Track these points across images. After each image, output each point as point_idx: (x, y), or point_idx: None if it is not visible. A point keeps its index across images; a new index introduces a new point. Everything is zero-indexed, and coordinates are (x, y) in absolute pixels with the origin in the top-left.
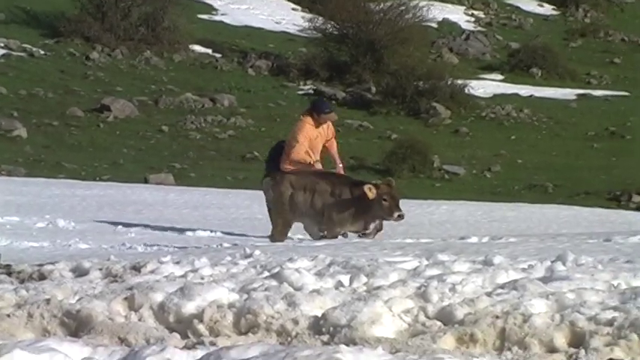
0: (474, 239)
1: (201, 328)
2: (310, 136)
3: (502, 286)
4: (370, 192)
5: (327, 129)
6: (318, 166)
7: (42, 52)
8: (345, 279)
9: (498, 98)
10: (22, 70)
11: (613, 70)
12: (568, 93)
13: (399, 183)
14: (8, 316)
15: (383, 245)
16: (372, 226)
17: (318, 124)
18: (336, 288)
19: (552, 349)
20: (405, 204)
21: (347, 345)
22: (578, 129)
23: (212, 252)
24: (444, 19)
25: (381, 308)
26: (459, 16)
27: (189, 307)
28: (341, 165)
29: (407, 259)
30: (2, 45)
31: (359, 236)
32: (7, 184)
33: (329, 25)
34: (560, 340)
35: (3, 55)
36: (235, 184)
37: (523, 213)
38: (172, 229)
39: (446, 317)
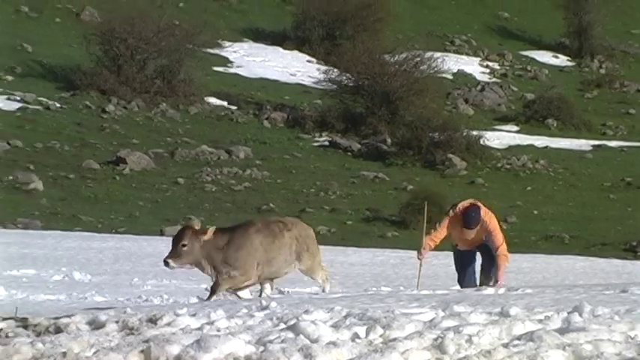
0: (490, 290)
1: None
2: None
3: (519, 338)
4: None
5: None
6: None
7: (58, 105)
8: (361, 331)
9: (514, 149)
10: (38, 123)
11: (628, 121)
12: (584, 144)
13: (415, 234)
14: None
15: (399, 297)
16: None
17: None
18: (353, 340)
19: None
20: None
21: None
22: (594, 180)
23: (228, 304)
24: (459, 70)
25: None
26: (474, 67)
27: None
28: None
29: (423, 310)
30: (18, 98)
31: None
32: (23, 237)
33: (344, 77)
34: None
35: (19, 108)
36: None
37: (539, 264)
38: (188, 281)
39: None
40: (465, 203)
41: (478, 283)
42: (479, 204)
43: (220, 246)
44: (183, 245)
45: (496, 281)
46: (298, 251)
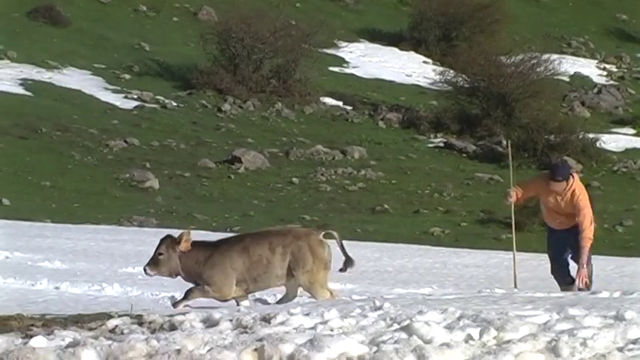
0: (605, 294)
1: None
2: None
3: (634, 342)
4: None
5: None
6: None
7: (174, 104)
8: (474, 332)
9: (630, 152)
10: (155, 122)
11: None
12: None
13: (529, 237)
14: None
15: (513, 299)
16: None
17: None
18: (466, 341)
19: None
20: (535, 258)
21: None
22: None
23: (341, 304)
24: (575, 72)
25: None
26: (591, 69)
27: (319, 359)
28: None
29: (537, 312)
30: (135, 97)
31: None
32: (138, 234)
33: (460, 78)
34: None
35: (136, 106)
36: (365, 237)
37: None
38: None
39: None
40: (555, 160)
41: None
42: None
43: (200, 261)
44: (160, 254)
45: (582, 265)
46: (293, 267)
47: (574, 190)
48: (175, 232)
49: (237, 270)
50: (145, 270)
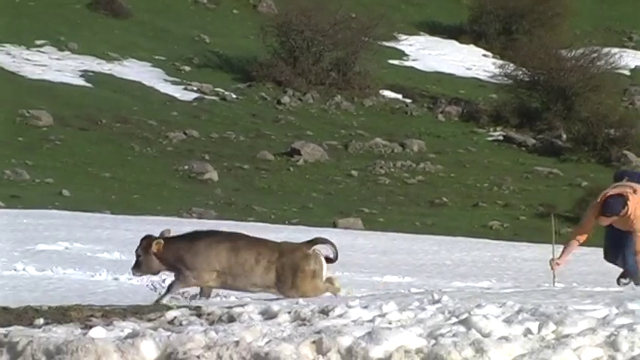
0: None
1: None
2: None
3: None
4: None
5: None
6: None
7: (234, 96)
8: (533, 326)
9: None
10: (214, 114)
11: None
12: None
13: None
14: (198, 357)
15: (572, 293)
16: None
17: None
18: (525, 335)
19: None
20: (594, 252)
21: None
22: None
23: (400, 297)
24: (636, 66)
25: (570, 356)
26: None
27: (377, 352)
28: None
29: (597, 307)
30: (195, 89)
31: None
32: (197, 226)
33: (520, 72)
34: None
35: (196, 98)
36: (423, 230)
37: None
38: (360, 273)
39: None
40: (611, 191)
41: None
42: (627, 193)
43: (183, 248)
44: (138, 256)
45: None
46: (277, 282)
47: (629, 217)
48: (237, 224)
49: (221, 263)
50: (131, 271)
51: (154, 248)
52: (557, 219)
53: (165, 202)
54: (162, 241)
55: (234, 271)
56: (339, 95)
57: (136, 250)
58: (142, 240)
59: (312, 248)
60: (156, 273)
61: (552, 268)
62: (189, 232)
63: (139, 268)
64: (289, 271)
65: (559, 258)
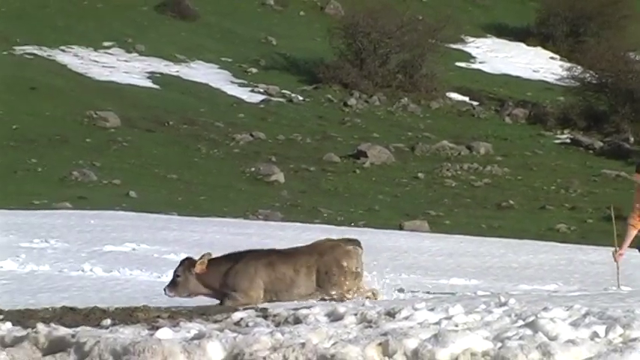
0: None
1: None
2: None
3: None
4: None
5: None
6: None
7: (300, 98)
8: (600, 330)
9: None
10: (281, 116)
11: None
12: None
13: None
14: (264, 359)
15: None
16: None
17: None
18: (592, 339)
19: None
20: None
21: None
22: None
23: (466, 299)
24: None
25: None
26: None
27: (443, 354)
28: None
29: None
30: (262, 91)
31: None
32: (263, 228)
33: (587, 75)
34: None
35: (262, 100)
36: (490, 232)
37: None
38: (427, 275)
39: None
40: None
41: None
42: None
43: (222, 271)
44: (177, 276)
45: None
46: (320, 283)
47: None
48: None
49: (262, 279)
50: (164, 291)
51: (198, 269)
52: (624, 222)
53: (231, 204)
54: (206, 261)
55: (276, 287)
56: (405, 97)
57: (175, 270)
58: (184, 260)
59: (353, 245)
60: (190, 295)
61: (616, 260)
62: (231, 253)
63: (174, 288)
64: (332, 269)
65: (620, 248)
